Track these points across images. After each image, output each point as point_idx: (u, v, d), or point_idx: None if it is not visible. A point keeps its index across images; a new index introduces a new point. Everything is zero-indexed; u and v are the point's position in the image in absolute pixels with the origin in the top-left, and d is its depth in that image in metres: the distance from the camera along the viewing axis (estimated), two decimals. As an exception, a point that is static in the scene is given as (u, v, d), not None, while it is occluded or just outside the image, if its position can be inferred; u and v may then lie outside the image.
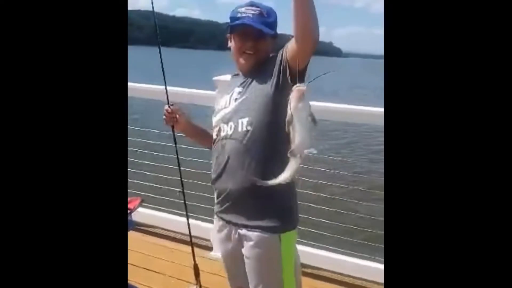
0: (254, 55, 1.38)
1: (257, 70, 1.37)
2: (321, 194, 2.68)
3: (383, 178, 0.85)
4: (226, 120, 1.37)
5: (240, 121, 1.32)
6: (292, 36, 1.28)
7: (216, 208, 1.46)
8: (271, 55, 1.39)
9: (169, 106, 1.57)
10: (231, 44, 1.43)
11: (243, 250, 1.39)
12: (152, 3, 1.65)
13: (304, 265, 1.82)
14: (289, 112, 1.09)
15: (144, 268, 2.49)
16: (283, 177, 1.17)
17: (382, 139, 0.85)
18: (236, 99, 1.38)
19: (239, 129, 1.32)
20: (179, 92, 2.83)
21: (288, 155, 1.12)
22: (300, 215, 1.46)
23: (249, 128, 1.30)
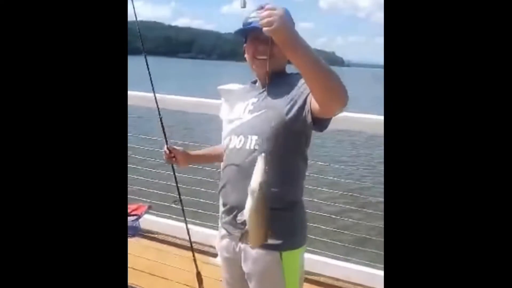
0: (269, 60, 1.29)
1: (273, 82, 1.31)
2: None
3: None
4: (237, 133, 1.36)
5: (250, 137, 1.31)
6: None
7: (220, 216, 1.46)
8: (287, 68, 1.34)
9: (167, 148, 1.57)
10: (246, 53, 1.39)
11: (243, 266, 1.37)
12: (133, 8, 1.63)
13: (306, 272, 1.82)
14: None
15: (150, 274, 2.50)
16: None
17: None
18: (250, 111, 1.35)
19: (247, 146, 1.30)
20: (182, 100, 2.88)
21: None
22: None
23: (256, 147, 1.28)
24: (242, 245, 1.34)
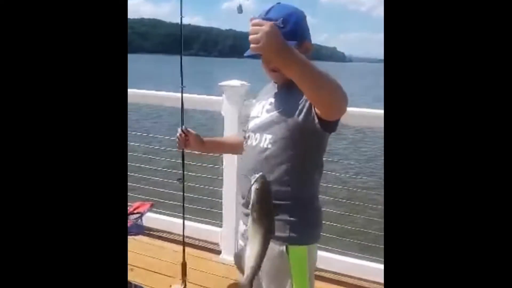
0: (281, 72, 1.27)
1: (289, 82, 1.24)
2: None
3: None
4: (254, 130, 1.38)
5: (264, 136, 1.33)
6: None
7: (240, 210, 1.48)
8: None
9: (182, 131, 1.53)
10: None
11: None
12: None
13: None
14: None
15: (152, 271, 2.52)
16: None
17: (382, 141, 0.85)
18: (267, 110, 1.36)
19: (261, 144, 1.33)
20: (186, 97, 2.87)
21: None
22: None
23: (269, 146, 1.30)
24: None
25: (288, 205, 1.31)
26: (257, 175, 1.08)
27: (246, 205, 1.38)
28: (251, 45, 0.98)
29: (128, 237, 1.73)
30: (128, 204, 1.88)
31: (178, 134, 1.55)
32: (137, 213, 1.84)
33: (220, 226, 2.78)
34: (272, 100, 1.37)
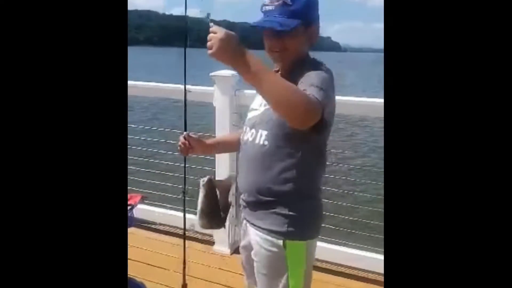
0: (283, 53, 1.27)
1: (289, 74, 1.24)
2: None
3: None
4: (251, 125, 1.35)
5: (260, 132, 1.30)
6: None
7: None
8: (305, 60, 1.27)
9: (184, 138, 1.47)
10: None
11: (252, 253, 1.38)
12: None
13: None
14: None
15: (146, 263, 2.51)
16: None
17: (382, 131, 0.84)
18: (264, 104, 1.31)
19: (256, 141, 1.30)
20: (177, 89, 2.84)
21: None
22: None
23: (266, 143, 1.28)
24: (253, 230, 1.36)
25: (287, 200, 1.29)
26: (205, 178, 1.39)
27: (242, 200, 1.41)
28: (208, 51, 1.05)
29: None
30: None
31: (180, 142, 1.48)
32: (128, 205, 1.82)
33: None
34: None
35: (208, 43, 1.04)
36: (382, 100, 2.19)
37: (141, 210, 2.37)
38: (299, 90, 1.08)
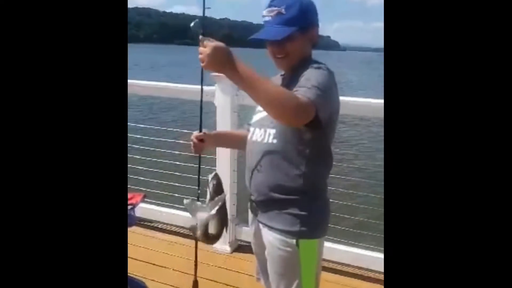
0: (285, 59, 1.33)
1: (293, 75, 1.30)
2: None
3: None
4: (259, 125, 1.38)
5: (268, 131, 1.33)
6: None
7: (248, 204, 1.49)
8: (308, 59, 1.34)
9: (198, 139, 1.48)
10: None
11: (266, 253, 1.40)
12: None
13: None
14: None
15: (146, 262, 2.52)
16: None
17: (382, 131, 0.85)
18: None
19: (265, 140, 1.33)
20: (180, 88, 2.85)
21: None
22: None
23: (274, 141, 1.30)
24: (265, 229, 1.38)
25: (297, 199, 1.32)
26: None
27: (250, 198, 1.44)
28: (201, 64, 1.15)
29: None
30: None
31: (193, 142, 1.49)
32: (130, 204, 1.83)
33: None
34: None
35: (200, 57, 1.14)
36: (381, 101, 2.21)
37: (142, 208, 2.38)
38: (287, 91, 1.14)
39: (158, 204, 3.00)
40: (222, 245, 2.66)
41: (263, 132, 1.35)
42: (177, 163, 3.09)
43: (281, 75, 1.44)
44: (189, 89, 2.75)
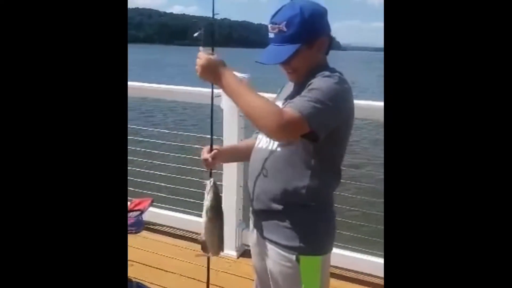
0: (294, 73, 1.32)
1: (300, 85, 1.28)
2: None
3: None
4: None
5: None
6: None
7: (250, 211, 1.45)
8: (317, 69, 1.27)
9: (209, 157, 1.42)
10: None
11: (267, 261, 1.36)
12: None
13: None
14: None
15: (153, 267, 2.50)
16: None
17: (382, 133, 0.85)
18: None
19: (270, 147, 1.30)
20: (179, 90, 2.83)
21: None
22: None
23: (279, 149, 1.28)
24: (265, 242, 1.33)
25: (298, 212, 1.26)
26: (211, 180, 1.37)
27: (251, 206, 1.40)
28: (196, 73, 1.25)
29: (129, 234, 1.71)
30: (128, 198, 1.85)
31: (204, 159, 1.42)
32: (138, 210, 1.81)
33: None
34: (283, 102, 1.32)
35: (196, 67, 1.24)
36: (381, 103, 2.19)
37: (150, 213, 2.36)
38: (271, 106, 1.14)
39: (164, 208, 2.98)
40: (229, 251, 2.64)
41: (268, 139, 1.32)
42: (183, 166, 3.07)
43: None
44: (191, 92, 2.74)
